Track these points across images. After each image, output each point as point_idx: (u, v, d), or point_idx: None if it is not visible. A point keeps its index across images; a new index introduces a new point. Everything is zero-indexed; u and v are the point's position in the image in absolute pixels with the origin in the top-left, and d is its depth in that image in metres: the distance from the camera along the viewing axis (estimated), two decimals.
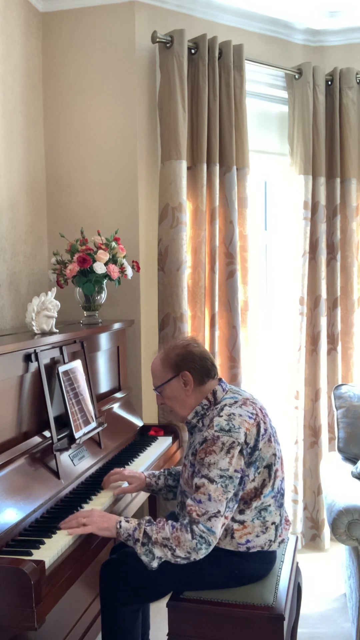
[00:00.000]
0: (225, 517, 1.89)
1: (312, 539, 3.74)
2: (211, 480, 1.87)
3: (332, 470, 3.03)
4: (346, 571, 2.98)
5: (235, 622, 1.95)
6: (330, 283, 3.72)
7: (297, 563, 2.32)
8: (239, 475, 1.91)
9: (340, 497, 2.59)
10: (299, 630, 2.43)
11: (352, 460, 3.09)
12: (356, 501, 2.50)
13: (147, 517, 1.94)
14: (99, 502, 2.11)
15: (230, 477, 1.88)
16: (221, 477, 1.87)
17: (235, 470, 1.90)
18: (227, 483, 1.87)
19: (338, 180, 3.66)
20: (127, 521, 1.91)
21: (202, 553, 1.86)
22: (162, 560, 1.88)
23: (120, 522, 1.90)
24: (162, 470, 2.34)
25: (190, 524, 1.86)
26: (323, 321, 3.65)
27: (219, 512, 1.86)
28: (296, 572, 2.27)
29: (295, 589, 2.24)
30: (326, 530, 3.68)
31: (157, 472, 2.32)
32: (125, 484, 2.26)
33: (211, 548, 1.87)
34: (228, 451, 1.89)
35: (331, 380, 3.72)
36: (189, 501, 1.90)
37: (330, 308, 3.73)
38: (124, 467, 2.43)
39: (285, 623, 1.93)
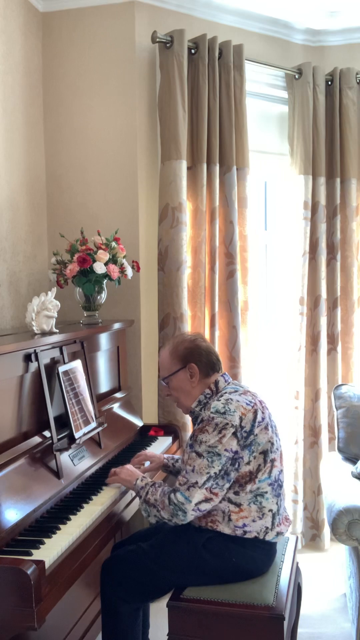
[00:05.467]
0: (213, 493, 1.98)
1: (312, 539, 3.74)
2: (198, 454, 1.99)
3: (332, 470, 3.03)
4: (346, 571, 2.98)
5: (235, 622, 1.95)
6: (330, 283, 3.72)
7: (297, 563, 2.32)
8: (229, 455, 1.98)
9: (340, 497, 2.59)
10: (299, 630, 2.43)
11: (352, 460, 3.09)
12: (356, 501, 2.50)
13: (159, 481, 2.12)
14: (100, 502, 2.11)
15: (218, 454, 1.97)
16: (208, 452, 1.98)
17: (225, 450, 1.98)
18: (213, 459, 1.97)
19: (338, 180, 3.66)
20: (142, 480, 2.14)
21: (181, 520, 2.00)
22: (157, 519, 2.06)
23: (138, 479, 2.16)
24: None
25: (170, 492, 2.02)
26: (323, 321, 3.65)
27: (196, 482, 1.97)
28: (296, 572, 2.27)
29: (295, 589, 2.24)
30: (326, 530, 3.68)
31: (176, 456, 2.50)
32: (147, 464, 2.48)
33: (188, 516, 1.98)
34: (220, 431, 1.98)
35: (331, 380, 3.72)
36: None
37: (330, 308, 3.73)
38: (145, 448, 2.77)
39: (285, 623, 1.93)
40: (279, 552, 2.21)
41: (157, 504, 2.03)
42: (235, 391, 2.11)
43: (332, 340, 3.73)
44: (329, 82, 3.65)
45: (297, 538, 2.39)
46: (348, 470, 2.95)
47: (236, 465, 2.00)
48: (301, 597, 2.35)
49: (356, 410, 3.14)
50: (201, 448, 1.98)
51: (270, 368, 3.85)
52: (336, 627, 2.82)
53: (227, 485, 2.01)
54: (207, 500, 1.98)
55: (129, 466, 2.25)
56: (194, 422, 2.21)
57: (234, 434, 1.98)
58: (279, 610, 1.94)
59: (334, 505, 2.54)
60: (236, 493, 2.03)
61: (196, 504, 1.97)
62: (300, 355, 3.62)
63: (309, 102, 3.55)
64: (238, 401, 2.04)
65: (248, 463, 2.02)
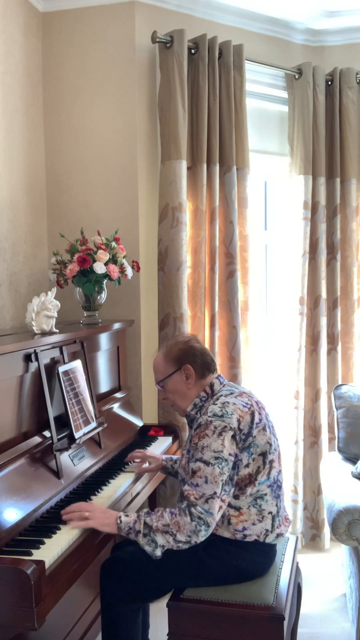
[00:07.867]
0: (222, 500, 1.94)
1: (312, 539, 3.74)
2: (206, 463, 1.93)
3: (332, 470, 3.03)
4: (346, 571, 2.98)
5: (235, 622, 1.95)
6: (330, 283, 3.72)
7: (297, 563, 2.32)
8: (233, 459, 1.96)
9: (340, 497, 2.59)
10: (299, 630, 2.43)
11: (352, 460, 3.09)
12: (356, 501, 2.50)
13: (145, 510, 1.98)
14: (100, 502, 2.11)
15: (225, 460, 1.94)
16: (216, 458, 1.93)
17: (229, 454, 1.95)
18: (222, 465, 1.93)
19: (338, 180, 3.66)
20: (127, 515, 1.95)
21: (202, 535, 1.90)
22: (165, 548, 1.92)
23: (120, 517, 1.94)
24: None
25: (188, 507, 1.91)
26: (323, 321, 3.65)
27: (215, 493, 1.91)
28: (296, 572, 2.27)
29: (295, 589, 2.24)
30: (326, 530, 3.68)
31: (175, 457, 2.47)
32: (146, 464, 2.48)
33: (210, 530, 1.92)
34: (220, 434, 1.95)
35: (331, 380, 3.72)
36: (186, 486, 1.96)
37: (330, 308, 3.73)
38: (146, 448, 2.73)
39: (285, 623, 1.93)
40: (279, 552, 2.21)
41: (170, 528, 1.89)
42: (231, 393, 2.09)
43: (332, 340, 3.72)
44: (329, 82, 3.65)
45: (297, 538, 2.39)
46: (348, 470, 2.95)
47: (236, 469, 1.99)
48: (301, 597, 2.35)
49: (356, 410, 3.14)
50: (206, 455, 1.94)
51: (270, 368, 3.85)
52: (336, 627, 2.82)
53: (232, 490, 1.99)
54: (220, 508, 1.94)
55: (96, 505, 1.97)
56: (190, 425, 2.19)
57: (233, 436, 1.97)
58: (278, 610, 1.94)
59: (334, 505, 2.55)
60: (236, 497, 2.01)
61: (216, 516, 1.92)
62: (300, 355, 3.62)
63: (309, 102, 3.55)
64: (235, 404, 2.03)
65: (247, 466, 2.01)
